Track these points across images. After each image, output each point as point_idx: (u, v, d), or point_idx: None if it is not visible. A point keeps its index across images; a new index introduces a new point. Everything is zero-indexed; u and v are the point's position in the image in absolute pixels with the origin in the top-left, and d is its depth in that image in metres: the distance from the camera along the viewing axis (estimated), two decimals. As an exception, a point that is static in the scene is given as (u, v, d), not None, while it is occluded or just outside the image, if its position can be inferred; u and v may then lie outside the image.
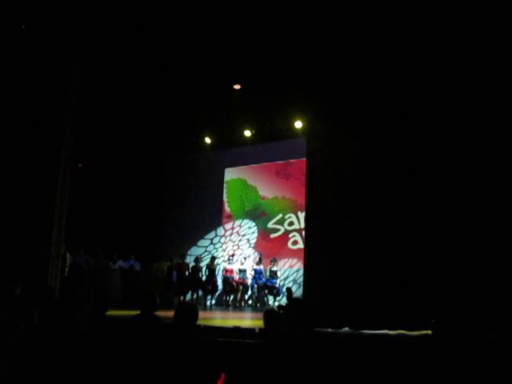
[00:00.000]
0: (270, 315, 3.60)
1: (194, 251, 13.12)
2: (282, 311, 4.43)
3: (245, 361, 2.97)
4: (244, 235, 12.86)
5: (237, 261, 12.04)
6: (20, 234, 7.25)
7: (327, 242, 6.14)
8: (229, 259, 12.09)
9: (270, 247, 12.29)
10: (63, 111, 7.81)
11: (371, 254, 5.78)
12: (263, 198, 12.83)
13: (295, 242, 12.10)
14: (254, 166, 13.14)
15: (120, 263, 11.79)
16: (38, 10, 7.12)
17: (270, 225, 12.53)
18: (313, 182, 6.63)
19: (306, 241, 6.56)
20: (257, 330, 4.34)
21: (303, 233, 11.99)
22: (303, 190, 12.29)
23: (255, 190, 12.99)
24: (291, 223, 12.27)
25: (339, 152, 6.30)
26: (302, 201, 12.20)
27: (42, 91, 7.69)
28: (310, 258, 6.37)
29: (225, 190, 13.45)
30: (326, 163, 6.42)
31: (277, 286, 11.20)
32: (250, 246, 12.68)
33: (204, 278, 11.66)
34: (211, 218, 13.25)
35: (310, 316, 5.86)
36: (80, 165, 12.64)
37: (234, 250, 12.75)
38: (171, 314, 3.19)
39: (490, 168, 5.48)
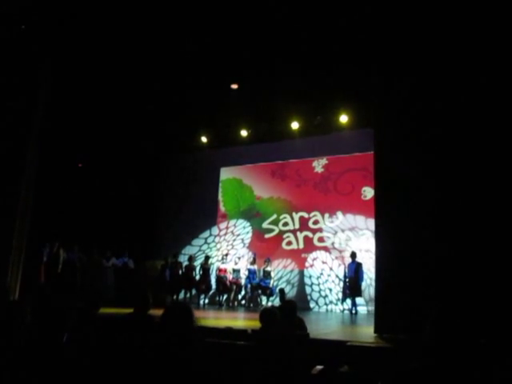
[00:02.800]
0: (266, 314, 3.59)
1: (188, 250, 13.11)
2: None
3: (236, 363, 2.96)
4: (238, 235, 12.86)
5: (231, 260, 12.03)
6: None
7: (400, 243, 5.81)
8: (223, 259, 12.09)
9: (264, 247, 12.29)
10: (30, 112, 7.65)
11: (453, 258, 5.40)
12: (258, 198, 12.83)
13: (289, 243, 12.11)
14: (249, 165, 13.14)
15: (113, 261, 11.77)
16: (8, 5, 7.02)
17: (265, 225, 12.53)
18: (382, 177, 6.25)
19: (377, 242, 6.27)
20: (249, 331, 4.33)
21: (297, 233, 12.03)
22: (298, 190, 12.41)
23: (250, 190, 12.99)
24: (286, 224, 12.28)
25: (412, 143, 5.92)
26: (296, 202, 12.25)
27: (10, 86, 7.54)
28: (381, 258, 6.06)
29: (220, 190, 13.44)
30: (397, 155, 6.04)
31: (270, 286, 11.21)
32: (244, 246, 12.68)
33: (198, 278, 11.65)
34: (206, 217, 13.23)
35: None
36: (80, 165, 12.66)
37: (228, 249, 12.74)
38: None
39: None
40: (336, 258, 11.42)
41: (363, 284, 10.19)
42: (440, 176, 5.67)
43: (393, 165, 6.03)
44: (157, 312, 4.43)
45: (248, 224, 12.81)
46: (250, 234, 12.71)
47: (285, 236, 12.20)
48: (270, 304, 10.90)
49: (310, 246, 11.85)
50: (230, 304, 11.56)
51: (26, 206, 7.49)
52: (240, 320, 8.72)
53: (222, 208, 13.34)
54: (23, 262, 7.53)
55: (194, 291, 11.79)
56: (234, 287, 11.58)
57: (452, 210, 5.51)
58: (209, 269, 11.86)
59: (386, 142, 6.21)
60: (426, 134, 5.83)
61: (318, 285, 11.43)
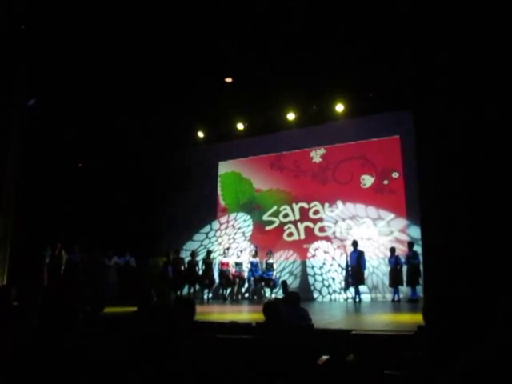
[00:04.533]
0: (270, 307, 3.59)
1: (190, 246, 13.12)
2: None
3: (241, 357, 2.96)
4: (239, 228, 12.86)
5: (233, 254, 12.05)
6: None
7: (448, 232, 5.66)
8: (224, 253, 12.09)
9: (265, 240, 12.29)
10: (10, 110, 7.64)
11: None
12: (258, 190, 12.81)
13: (290, 234, 12.11)
14: (247, 158, 13.11)
15: (115, 259, 11.77)
16: None
17: (265, 217, 12.53)
18: (426, 161, 6.10)
19: (423, 231, 6.15)
20: (254, 325, 4.33)
21: (298, 224, 12.03)
22: (297, 181, 12.39)
23: (249, 183, 12.97)
24: (286, 215, 12.27)
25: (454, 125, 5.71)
26: (296, 192, 12.23)
27: None
28: (429, 248, 5.94)
29: (219, 184, 13.42)
30: (440, 136, 5.86)
31: (273, 278, 11.23)
32: (245, 239, 12.68)
33: (200, 273, 11.68)
34: (206, 211, 13.22)
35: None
36: (80, 165, 12.64)
37: (229, 243, 12.75)
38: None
39: None
40: (338, 247, 11.43)
41: (366, 272, 10.22)
42: (489, 162, 5.47)
43: (438, 149, 5.88)
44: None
45: (248, 217, 12.80)
46: (250, 227, 12.71)
47: (286, 227, 12.20)
48: (273, 296, 10.92)
49: (311, 236, 11.85)
50: (234, 297, 11.58)
51: (8, 204, 7.53)
52: (244, 313, 8.74)
53: (221, 202, 13.33)
54: (8, 261, 7.60)
55: (197, 286, 11.83)
56: (237, 280, 11.60)
57: (502, 193, 5.33)
58: (211, 263, 11.88)
59: (426, 124, 6.05)
60: (469, 112, 5.62)
61: (321, 275, 11.46)
